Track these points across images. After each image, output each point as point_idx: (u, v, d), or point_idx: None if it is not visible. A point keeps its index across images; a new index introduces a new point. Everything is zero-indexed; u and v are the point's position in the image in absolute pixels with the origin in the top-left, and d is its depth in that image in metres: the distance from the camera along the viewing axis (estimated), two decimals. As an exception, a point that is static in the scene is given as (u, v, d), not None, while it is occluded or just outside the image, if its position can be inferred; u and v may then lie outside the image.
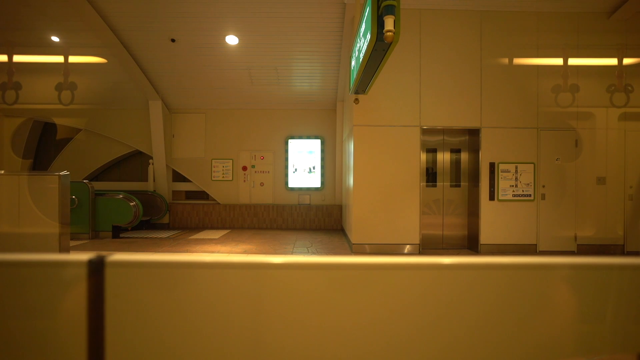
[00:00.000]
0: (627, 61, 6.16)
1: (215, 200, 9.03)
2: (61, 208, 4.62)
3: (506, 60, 6.12)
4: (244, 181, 9.02)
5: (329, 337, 0.64)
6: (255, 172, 9.04)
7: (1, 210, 4.46)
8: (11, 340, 0.62)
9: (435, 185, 6.55)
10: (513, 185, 6.07)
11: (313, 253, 6.09)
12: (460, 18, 6.02)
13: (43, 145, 9.16)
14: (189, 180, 9.09)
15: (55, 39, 6.91)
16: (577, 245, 6.12)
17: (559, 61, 6.16)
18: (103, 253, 0.64)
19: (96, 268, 0.62)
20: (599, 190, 6.14)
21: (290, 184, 9.01)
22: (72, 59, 7.27)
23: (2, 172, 4.73)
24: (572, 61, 6.15)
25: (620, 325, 0.68)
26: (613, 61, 6.19)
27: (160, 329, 0.63)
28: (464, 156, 6.57)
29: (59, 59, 7.23)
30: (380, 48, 3.53)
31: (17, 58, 7.11)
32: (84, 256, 0.63)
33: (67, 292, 0.62)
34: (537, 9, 6.01)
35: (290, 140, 9.03)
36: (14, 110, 7.93)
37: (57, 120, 8.57)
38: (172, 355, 0.63)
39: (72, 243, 6.13)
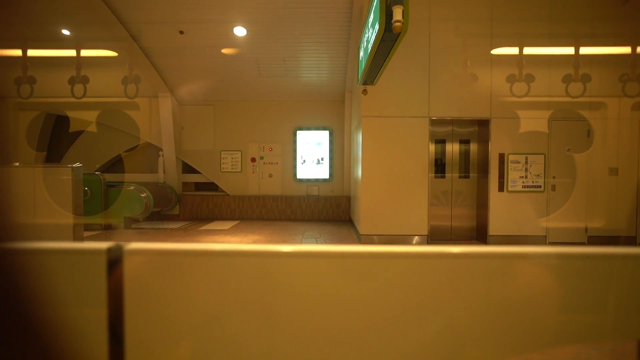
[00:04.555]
0: (641, 49, 6.01)
1: (224, 191, 9.11)
2: (74, 199, 4.72)
3: (517, 50, 6.02)
4: (253, 172, 9.08)
5: (337, 325, 0.67)
6: (264, 163, 9.08)
7: (17, 202, 4.56)
8: (36, 323, 0.66)
9: (443, 177, 6.52)
10: (523, 177, 6.02)
11: (322, 244, 6.14)
12: (470, 6, 5.91)
13: (56, 137, 9.30)
14: (198, 172, 9.17)
15: (66, 32, 6.98)
16: (588, 236, 6.06)
17: (570, 50, 6.04)
18: (121, 242, 0.67)
19: (115, 256, 0.65)
20: (611, 181, 6.05)
21: (299, 175, 9.04)
22: (84, 52, 7.34)
23: (17, 164, 4.84)
24: (585, 50, 6.02)
25: (621, 314, 0.69)
26: (626, 50, 6.04)
27: (176, 313, 0.66)
28: (473, 147, 6.52)
29: (71, 52, 7.31)
30: (388, 38, 3.51)
31: (30, 52, 7.20)
32: (104, 245, 0.66)
33: (88, 278, 0.66)
34: (549, -4, 5.88)
35: (298, 132, 9.04)
36: (28, 103, 8.05)
37: (70, 113, 8.69)
38: (186, 337, 0.66)
39: (85, 234, 6.26)
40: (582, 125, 6.06)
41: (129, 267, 0.65)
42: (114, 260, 0.65)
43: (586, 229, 6.06)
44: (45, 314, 0.66)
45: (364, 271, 0.67)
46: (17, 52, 7.15)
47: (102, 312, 0.65)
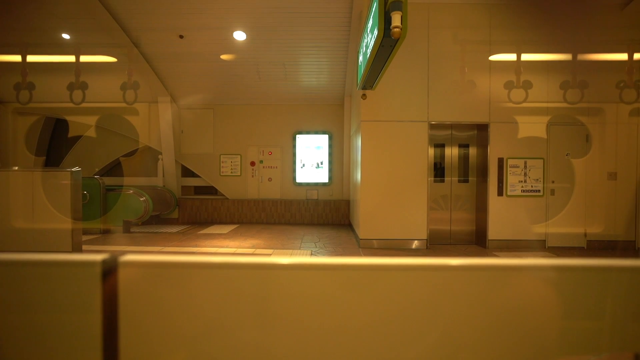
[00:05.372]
0: (638, 56, 6.03)
1: (223, 195, 9.10)
2: (73, 203, 4.71)
3: (515, 56, 6.04)
4: (252, 176, 9.08)
5: (334, 336, 0.67)
6: (263, 167, 9.08)
7: (16, 206, 4.56)
8: (29, 336, 0.66)
9: (443, 181, 6.52)
10: (522, 181, 6.02)
11: (321, 248, 6.12)
12: (469, 13, 5.94)
13: (55, 142, 9.30)
14: (197, 176, 9.17)
15: (66, 36, 7.00)
16: (587, 241, 6.06)
17: (568, 57, 6.06)
18: (116, 253, 0.67)
19: (110, 268, 0.65)
20: (610, 186, 6.06)
21: (298, 179, 9.04)
22: (83, 58, 7.35)
23: (16, 168, 4.84)
24: (582, 56, 6.04)
25: (619, 325, 0.69)
26: (623, 56, 6.06)
27: (171, 326, 0.66)
28: (472, 151, 6.53)
29: (71, 58, 7.31)
30: (387, 44, 3.52)
31: (30, 58, 7.21)
32: (98, 256, 0.66)
33: (83, 290, 0.65)
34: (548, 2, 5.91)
35: (298, 136, 9.05)
36: (26, 108, 8.06)
37: (69, 118, 8.70)
38: (181, 352, 0.65)
39: (84, 238, 6.25)
40: (581, 130, 6.07)
41: (123, 279, 0.65)
42: (109, 272, 0.65)
43: (585, 234, 6.06)
44: (36, 326, 0.66)
45: (362, 283, 0.67)
46: (17, 58, 7.16)
47: (96, 324, 0.65)
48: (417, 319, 0.67)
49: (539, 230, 6.03)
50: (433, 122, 6.03)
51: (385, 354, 0.67)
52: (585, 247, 6.04)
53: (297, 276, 0.67)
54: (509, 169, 6.01)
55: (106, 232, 7.37)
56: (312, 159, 9.06)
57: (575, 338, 0.70)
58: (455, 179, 6.53)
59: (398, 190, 5.97)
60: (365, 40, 4.31)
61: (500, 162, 6.02)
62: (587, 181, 6.05)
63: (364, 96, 5.84)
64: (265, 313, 0.66)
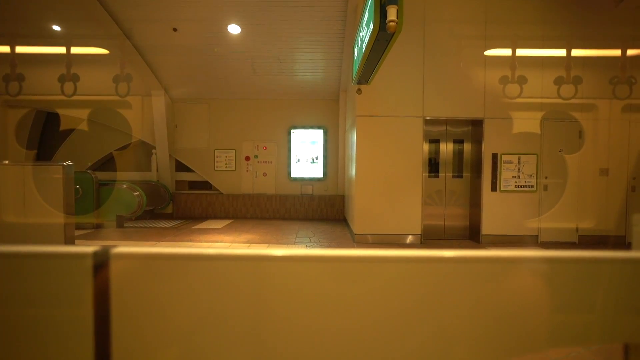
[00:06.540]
0: (631, 52, 6.07)
1: (218, 190, 9.07)
2: (65, 198, 4.66)
3: (510, 51, 6.05)
4: (247, 171, 9.05)
5: (329, 328, 0.66)
6: (258, 162, 9.05)
7: (7, 201, 4.50)
8: (18, 330, 0.65)
9: (437, 176, 6.54)
10: (515, 177, 6.06)
11: (315, 243, 6.13)
12: (465, 8, 5.94)
13: (46, 135, 9.18)
14: (192, 170, 9.12)
15: (56, 27, 6.88)
16: (579, 236, 6.13)
17: (562, 52, 6.08)
18: (108, 245, 0.66)
19: (101, 260, 0.64)
20: (602, 182, 6.12)
21: (293, 174, 9.03)
22: (75, 50, 7.24)
23: (7, 162, 4.77)
24: (576, 52, 6.07)
25: (608, 317, 0.70)
26: (617, 52, 6.10)
27: (164, 320, 0.65)
28: (467, 147, 6.55)
29: (61, 50, 7.20)
30: (382, 38, 3.51)
31: (19, 49, 7.09)
32: (89, 249, 0.65)
33: (73, 283, 0.65)
34: (543, -2, 5.92)
35: (293, 131, 9.02)
36: (17, 101, 7.94)
37: (60, 111, 8.58)
38: (175, 345, 0.65)
39: (77, 233, 6.19)
40: (574, 126, 6.12)
41: (115, 272, 0.64)
42: (100, 264, 0.64)
43: (577, 229, 6.13)
44: (26, 320, 0.65)
45: (357, 275, 0.67)
46: (6, 49, 7.03)
47: (87, 317, 0.64)
48: (412, 310, 0.67)
49: (531, 225, 6.09)
50: (428, 118, 6.04)
51: (380, 345, 0.67)
52: (577, 242, 6.11)
53: (292, 268, 0.66)
54: (502, 164, 6.05)
55: (99, 227, 7.32)
56: (307, 154, 9.05)
57: (565, 330, 0.71)
58: (450, 174, 6.56)
59: (393, 186, 5.99)
60: (361, 35, 4.29)
61: (495, 157, 6.05)
62: (579, 177, 6.11)
63: (359, 91, 5.82)
64: (260, 304, 0.66)
